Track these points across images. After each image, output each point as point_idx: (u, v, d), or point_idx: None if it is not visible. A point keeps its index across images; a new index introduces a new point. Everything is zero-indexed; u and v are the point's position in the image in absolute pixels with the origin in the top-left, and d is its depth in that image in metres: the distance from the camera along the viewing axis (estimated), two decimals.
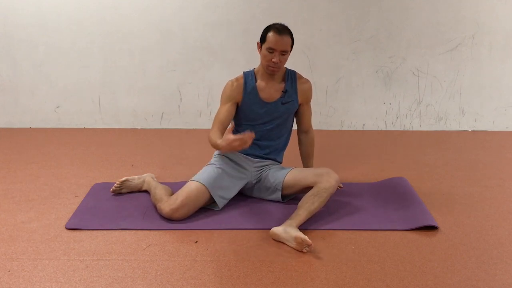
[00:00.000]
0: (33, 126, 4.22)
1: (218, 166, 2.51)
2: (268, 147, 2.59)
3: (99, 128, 4.21)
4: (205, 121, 4.24)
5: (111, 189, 2.65)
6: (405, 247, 2.12)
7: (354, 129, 4.29)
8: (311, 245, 2.02)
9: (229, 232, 2.25)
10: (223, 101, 2.50)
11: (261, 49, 2.40)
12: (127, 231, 2.24)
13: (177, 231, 2.25)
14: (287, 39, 2.34)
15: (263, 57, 2.39)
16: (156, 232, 2.24)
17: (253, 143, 2.56)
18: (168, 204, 2.32)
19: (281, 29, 2.34)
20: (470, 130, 4.28)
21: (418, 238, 2.19)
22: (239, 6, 3.97)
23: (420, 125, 4.28)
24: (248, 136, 2.03)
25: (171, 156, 3.42)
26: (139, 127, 4.26)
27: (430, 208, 2.51)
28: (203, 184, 2.38)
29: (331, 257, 2.02)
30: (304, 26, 4.01)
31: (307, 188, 2.39)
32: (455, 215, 2.46)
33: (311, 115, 2.69)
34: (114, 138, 3.91)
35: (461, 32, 4.05)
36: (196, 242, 2.15)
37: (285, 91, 2.50)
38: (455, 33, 4.05)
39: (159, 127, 4.26)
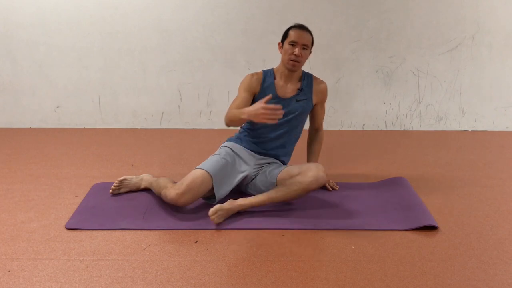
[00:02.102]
0: (33, 126, 4.22)
1: (222, 156, 2.56)
2: (276, 143, 2.63)
3: (99, 128, 4.21)
4: (205, 121, 4.25)
5: (110, 190, 2.65)
6: (405, 247, 2.12)
7: (354, 129, 4.29)
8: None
9: (229, 232, 2.25)
10: (241, 91, 2.58)
11: (282, 48, 2.54)
12: (127, 231, 2.24)
13: (177, 231, 2.25)
14: (307, 35, 2.50)
15: (285, 52, 2.51)
16: (156, 232, 2.24)
17: (260, 140, 2.63)
18: (174, 189, 2.37)
19: (302, 26, 2.53)
20: (470, 130, 4.28)
21: (418, 238, 2.19)
22: (238, 6, 3.97)
23: (420, 125, 4.28)
24: (277, 108, 2.12)
25: (171, 156, 3.42)
26: (139, 127, 4.26)
27: (430, 208, 2.51)
28: (208, 172, 2.41)
29: (331, 257, 2.02)
30: None
31: None
32: (455, 215, 2.46)
33: (324, 115, 2.79)
34: (114, 138, 3.91)
35: (461, 32, 4.05)
36: (196, 242, 2.15)
37: (300, 89, 2.60)
38: (455, 33, 4.05)
39: (159, 127, 4.26)
